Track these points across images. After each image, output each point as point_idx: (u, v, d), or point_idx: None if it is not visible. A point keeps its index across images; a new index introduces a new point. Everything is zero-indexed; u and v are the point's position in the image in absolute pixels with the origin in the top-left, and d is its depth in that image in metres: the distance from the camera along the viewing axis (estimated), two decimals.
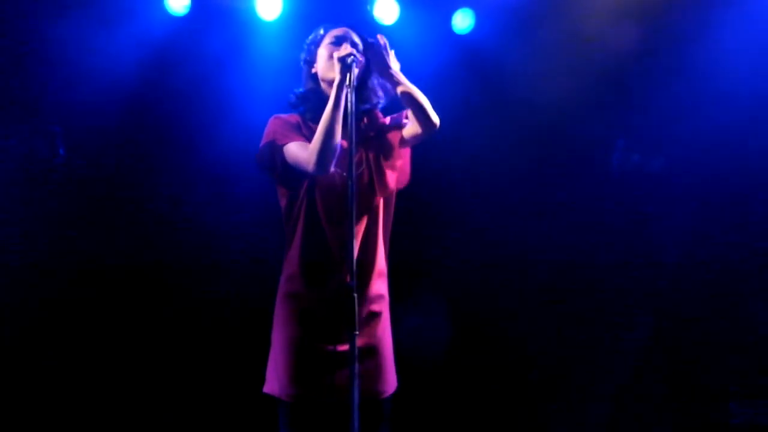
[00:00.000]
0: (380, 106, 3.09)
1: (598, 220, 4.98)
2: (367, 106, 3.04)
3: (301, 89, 3.10)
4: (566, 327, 4.94)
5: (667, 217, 4.91)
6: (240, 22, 4.67)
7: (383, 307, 3.01)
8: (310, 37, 3.10)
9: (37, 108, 4.58)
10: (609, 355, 4.94)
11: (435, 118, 2.97)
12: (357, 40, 3.00)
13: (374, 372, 2.91)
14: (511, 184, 4.96)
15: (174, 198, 4.76)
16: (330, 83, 2.92)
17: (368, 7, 4.67)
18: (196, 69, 4.70)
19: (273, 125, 3.00)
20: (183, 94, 4.70)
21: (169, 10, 4.58)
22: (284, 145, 2.93)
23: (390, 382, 3.00)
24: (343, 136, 2.83)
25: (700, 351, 4.90)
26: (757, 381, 4.79)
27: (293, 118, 3.04)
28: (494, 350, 4.94)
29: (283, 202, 3.03)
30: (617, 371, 4.92)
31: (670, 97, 4.84)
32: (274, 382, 2.93)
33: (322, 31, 3.07)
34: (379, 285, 2.99)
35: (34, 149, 4.59)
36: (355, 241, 2.66)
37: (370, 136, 3.05)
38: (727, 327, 4.89)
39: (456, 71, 4.88)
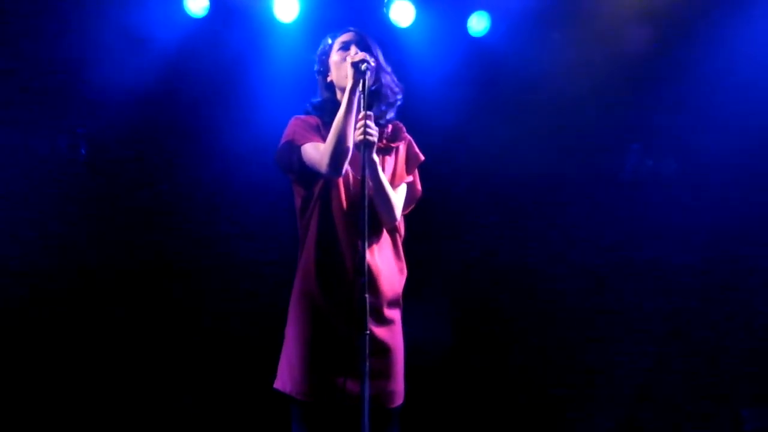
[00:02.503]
0: (399, 103, 3.10)
1: (613, 223, 4.98)
2: (386, 106, 3.04)
3: (318, 99, 3.14)
4: (577, 330, 4.95)
5: (682, 221, 4.90)
6: (258, 23, 4.71)
7: (396, 313, 3.01)
8: (320, 48, 3.14)
9: (59, 109, 4.62)
10: (620, 359, 4.93)
11: (396, 214, 3.01)
12: (368, 42, 3.03)
13: (384, 379, 2.90)
14: (525, 185, 4.98)
15: (193, 197, 4.80)
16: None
17: (384, 9, 4.70)
18: (214, 69, 4.75)
19: (293, 125, 3.04)
20: (202, 94, 4.75)
21: (188, 12, 4.63)
22: (302, 145, 2.97)
23: (399, 391, 2.98)
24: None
25: (712, 356, 4.89)
26: None
27: (313, 119, 3.08)
28: (505, 354, 4.95)
29: (298, 202, 3.06)
30: (628, 376, 4.91)
31: (686, 100, 4.84)
32: (286, 380, 2.95)
33: (330, 41, 3.11)
34: (394, 289, 2.99)
35: (56, 149, 4.64)
36: (368, 243, 2.68)
37: (391, 146, 3.09)
38: (741, 332, 4.88)
39: (471, 73, 4.90)
